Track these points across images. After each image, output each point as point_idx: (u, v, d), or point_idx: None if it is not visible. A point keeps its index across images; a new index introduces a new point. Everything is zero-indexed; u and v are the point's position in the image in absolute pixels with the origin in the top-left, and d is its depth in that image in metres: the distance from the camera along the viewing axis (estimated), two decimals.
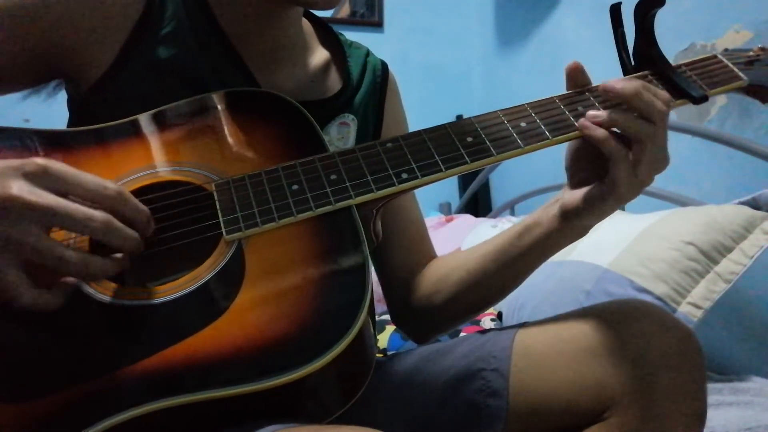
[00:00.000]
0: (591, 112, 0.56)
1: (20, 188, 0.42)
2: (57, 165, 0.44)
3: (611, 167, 0.54)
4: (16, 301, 0.43)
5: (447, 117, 2.37)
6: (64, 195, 0.44)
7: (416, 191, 0.57)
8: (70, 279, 0.47)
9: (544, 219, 0.62)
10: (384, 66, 0.78)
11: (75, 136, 0.57)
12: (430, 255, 0.78)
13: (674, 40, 1.37)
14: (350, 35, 0.79)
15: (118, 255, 0.47)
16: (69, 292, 0.46)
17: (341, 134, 0.69)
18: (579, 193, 0.58)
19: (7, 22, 0.57)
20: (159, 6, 0.61)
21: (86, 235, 0.44)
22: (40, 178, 0.43)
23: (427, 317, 0.73)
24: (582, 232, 0.61)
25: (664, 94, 0.55)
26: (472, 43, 2.49)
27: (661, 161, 0.55)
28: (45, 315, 0.46)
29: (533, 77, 2.11)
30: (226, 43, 0.64)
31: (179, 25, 0.62)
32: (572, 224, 0.60)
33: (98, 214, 0.44)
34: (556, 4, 1.95)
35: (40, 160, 0.43)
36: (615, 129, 0.54)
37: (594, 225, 0.60)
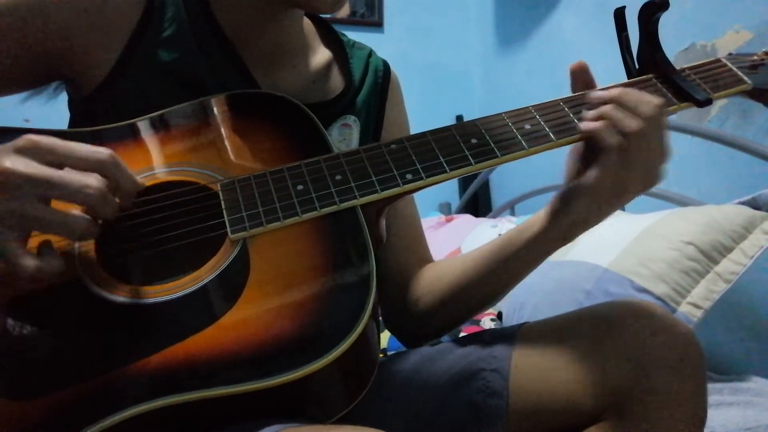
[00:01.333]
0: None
1: (13, 162, 0.42)
2: (46, 138, 0.44)
3: (597, 157, 0.55)
4: (20, 273, 0.43)
5: (447, 117, 2.40)
6: (59, 167, 0.45)
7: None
8: (67, 243, 0.47)
9: (536, 219, 0.62)
10: (386, 66, 0.78)
11: (78, 137, 0.57)
12: (426, 258, 0.77)
13: (674, 40, 1.37)
14: (350, 35, 0.79)
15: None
16: (68, 258, 0.47)
17: (343, 136, 0.69)
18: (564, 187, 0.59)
19: (8, 24, 0.57)
20: (159, 9, 0.61)
21: (82, 203, 0.44)
22: (32, 152, 0.44)
23: (419, 321, 0.72)
24: (567, 233, 0.59)
25: (647, 105, 0.54)
26: (472, 43, 2.49)
27: (647, 171, 0.55)
28: (48, 312, 0.46)
29: (533, 77, 2.11)
30: (226, 45, 0.64)
31: (180, 28, 0.62)
32: (558, 223, 0.59)
33: (94, 182, 0.44)
34: (556, 4, 1.95)
35: (30, 135, 0.44)
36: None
37: (578, 230, 0.58)
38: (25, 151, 0.43)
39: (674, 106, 0.60)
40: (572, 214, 0.57)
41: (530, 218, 0.63)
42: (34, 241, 0.46)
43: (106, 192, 0.45)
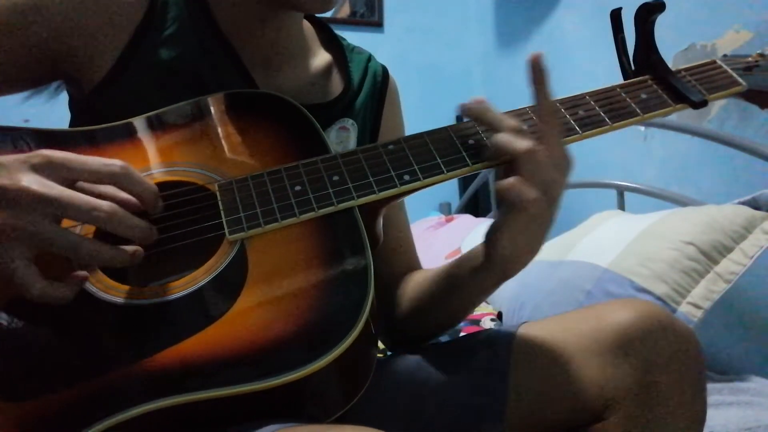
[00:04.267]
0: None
1: (29, 180, 0.43)
2: (60, 154, 0.45)
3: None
4: (25, 292, 0.43)
5: (447, 117, 2.40)
6: (72, 182, 0.45)
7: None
8: (81, 272, 0.47)
9: (477, 252, 0.60)
10: (385, 71, 0.78)
11: (77, 137, 0.57)
12: (412, 265, 0.76)
13: (674, 40, 1.37)
14: (350, 35, 0.79)
15: (129, 247, 0.47)
16: (79, 285, 0.47)
17: (340, 139, 0.69)
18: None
19: (9, 23, 0.57)
20: (161, 7, 0.62)
21: (93, 224, 0.45)
22: (47, 169, 0.44)
23: (397, 327, 0.72)
24: (504, 270, 0.56)
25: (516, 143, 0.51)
26: (472, 43, 2.49)
27: (536, 197, 0.51)
28: (47, 314, 0.46)
29: None
30: (225, 45, 0.64)
31: (181, 27, 0.62)
32: (492, 260, 0.56)
33: (104, 204, 0.45)
34: (556, 4, 1.95)
35: (45, 152, 0.45)
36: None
37: (513, 265, 0.55)
38: (39, 169, 0.44)
39: (670, 108, 0.60)
40: (500, 249, 0.55)
41: (474, 249, 0.61)
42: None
43: (117, 214, 0.45)
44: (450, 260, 0.67)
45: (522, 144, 0.51)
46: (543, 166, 0.51)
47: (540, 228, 0.53)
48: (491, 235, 0.55)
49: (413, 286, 0.71)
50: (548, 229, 0.54)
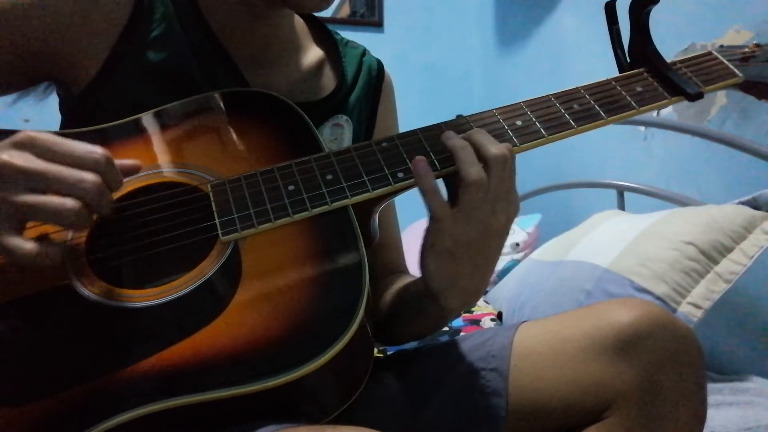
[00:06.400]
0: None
1: (11, 155, 0.43)
2: (44, 134, 0.45)
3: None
4: (18, 255, 0.43)
5: (447, 117, 2.37)
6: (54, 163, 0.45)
7: (413, 192, 0.57)
8: (67, 233, 0.47)
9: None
10: (380, 66, 0.77)
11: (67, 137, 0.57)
12: (395, 265, 0.76)
13: (674, 40, 1.37)
14: (350, 35, 0.79)
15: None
16: (67, 247, 0.47)
17: (334, 135, 0.69)
18: None
19: None
20: (148, 8, 0.61)
21: (78, 196, 0.44)
22: (29, 147, 0.44)
23: (377, 327, 0.71)
24: (437, 298, 0.56)
25: (492, 149, 0.52)
26: (472, 43, 2.49)
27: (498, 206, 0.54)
28: (43, 318, 0.46)
29: (533, 77, 2.11)
30: (215, 44, 0.63)
31: (169, 27, 0.62)
32: (425, 279, 0.56)
33: (89, 176, 0.45)
34: (556, 4, 1.95)
35: (29, 132, 0.45)
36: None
37: (451, 304, 0.56)
38: (22, 146, 0.44)
39: (665, 101, 0.60)
40: (427, 277, 0.55)
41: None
42: (32, 233, 0.46)
43: (102, 188, 0.45)
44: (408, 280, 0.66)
45: (473, 172, 0.50)
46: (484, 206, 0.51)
47: (469, 265, 0.53)
48: (420, 260, 0.55)
49: (392, 291, 0.70)
50: (484, 270, 0.54)
